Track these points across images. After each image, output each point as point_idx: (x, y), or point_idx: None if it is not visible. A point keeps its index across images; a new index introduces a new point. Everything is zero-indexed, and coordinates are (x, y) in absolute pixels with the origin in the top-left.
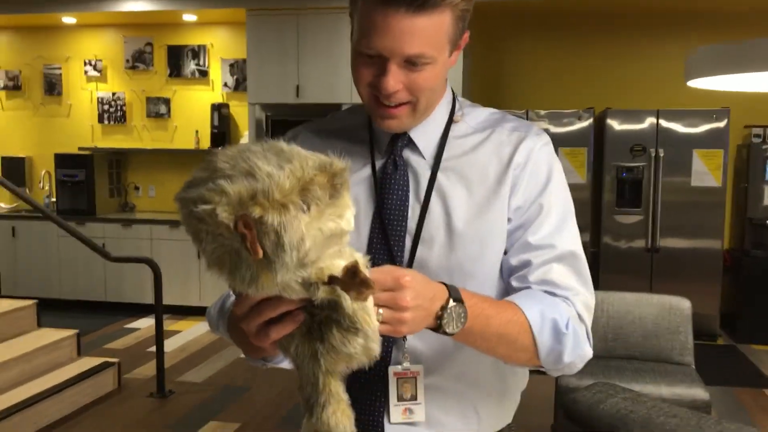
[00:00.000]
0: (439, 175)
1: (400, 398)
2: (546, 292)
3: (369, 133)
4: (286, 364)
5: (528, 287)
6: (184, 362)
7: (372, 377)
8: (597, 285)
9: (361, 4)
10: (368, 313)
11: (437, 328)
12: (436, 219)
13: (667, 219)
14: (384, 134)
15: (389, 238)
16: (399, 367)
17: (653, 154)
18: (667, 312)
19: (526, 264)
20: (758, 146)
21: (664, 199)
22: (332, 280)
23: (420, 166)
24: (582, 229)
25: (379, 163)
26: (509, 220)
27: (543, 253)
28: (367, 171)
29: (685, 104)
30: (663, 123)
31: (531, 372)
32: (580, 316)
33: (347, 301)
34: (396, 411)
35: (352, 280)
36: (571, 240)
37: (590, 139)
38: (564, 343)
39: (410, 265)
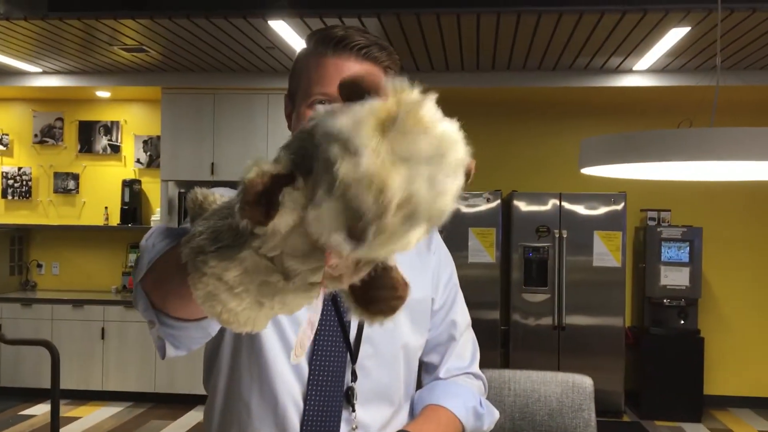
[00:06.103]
0: None
1: None
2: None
3: None
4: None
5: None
6: None
7: None
8: (507, 363)
9: (311, 59)
10: None
11: None
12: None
13: (572, 297)
14: None
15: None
16: None
17: (557, 235)
18: (570, 390)
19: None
20: (653, 229)
21: (568, 278)
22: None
23: None
24: (492, 306)
25: None
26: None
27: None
28: None
29: (586, 188)
30: (565, 205)
31: None
32: (482, 379)
33: None
34: None
35: None
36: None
37: (498, 220)
38: (483, 420)
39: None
